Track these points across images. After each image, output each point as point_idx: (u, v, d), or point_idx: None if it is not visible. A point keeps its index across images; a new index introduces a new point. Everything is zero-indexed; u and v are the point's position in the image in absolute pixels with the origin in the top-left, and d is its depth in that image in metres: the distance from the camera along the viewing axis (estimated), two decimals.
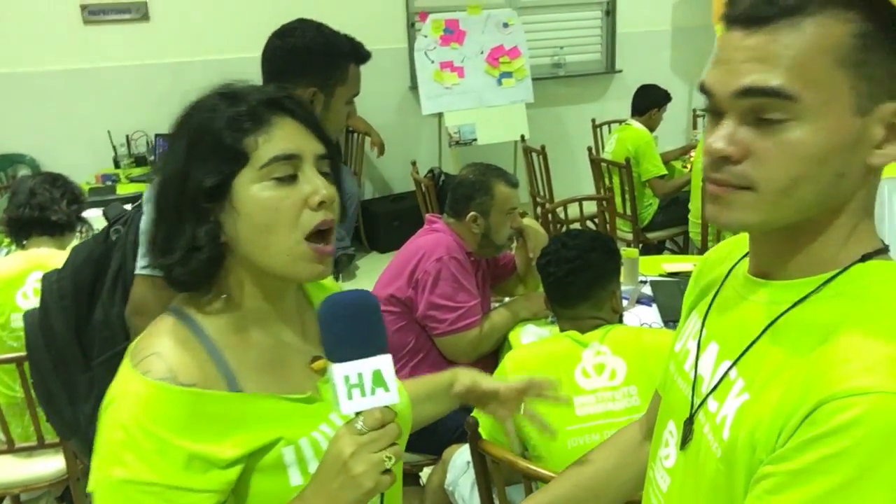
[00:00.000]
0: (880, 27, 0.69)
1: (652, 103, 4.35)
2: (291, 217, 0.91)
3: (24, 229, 2.37)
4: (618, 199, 4.09)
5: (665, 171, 4.17)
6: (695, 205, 3.83)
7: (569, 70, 5.74)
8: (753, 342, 0.78)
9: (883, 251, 0.77)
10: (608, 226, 3.67)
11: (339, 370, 0.84)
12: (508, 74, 5.20)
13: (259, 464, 0.90)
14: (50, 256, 2.27)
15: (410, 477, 2.45)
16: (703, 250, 3.63)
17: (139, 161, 4.72)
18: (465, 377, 1.25)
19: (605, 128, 5.25)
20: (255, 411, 0.91)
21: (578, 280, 1.74)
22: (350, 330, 0.85)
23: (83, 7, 4.65)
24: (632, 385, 1.63)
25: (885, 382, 0.65)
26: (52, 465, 2.34)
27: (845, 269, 0.75)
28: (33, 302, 2.16)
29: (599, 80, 5.89)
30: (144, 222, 1.41)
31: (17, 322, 2.27)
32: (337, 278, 4.41)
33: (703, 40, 5.62)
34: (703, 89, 0.77)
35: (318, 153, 0.94)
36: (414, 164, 4.36)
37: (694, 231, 3.85)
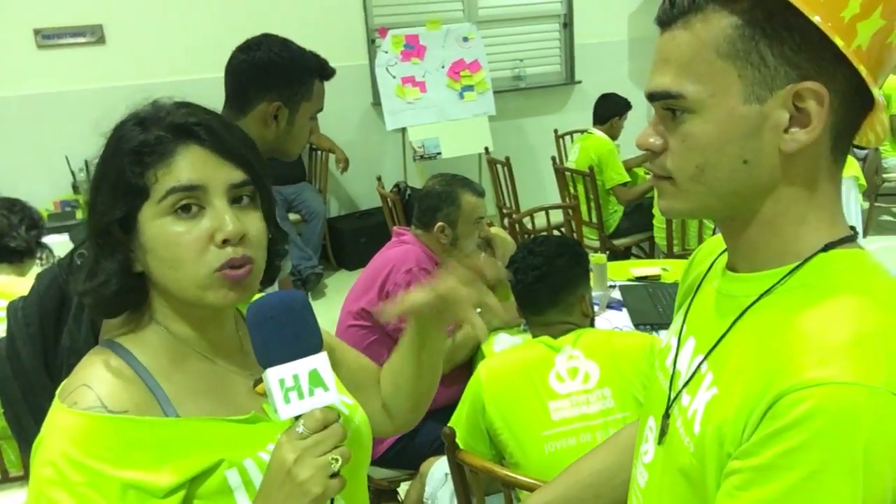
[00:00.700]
0: (762, 15, 0.71)
1: (613, 112, 4.41)
2: (195, 252, 0.86)
3: None
4: (583, 207, 4.14)
5: (628, 178, 4.22)
6: (659, 210, 3.89)
7: (529, 82, 5.80)
8: (723, 336, 0.79)
9: (848, 239, 0.77)
10: (575, 234, 3.70)
11: (272, 374, 0.80)
12: (470, 88, 5.24)
13: (201, 490, 0.86)
14: (10, 284, 2.21)
15: (388, 493, 2.43)
16: (668, 255, 3.67)
17: None
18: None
19: (568, 138, 5.31)
20: (192, 436, 0.87)
21: (546, 286, 1.76)
22: (279, 331, 0.82)
23: (37, 31, 4.57)
24: (606, 387, 1.64)
25: (838, 373, 0.66)
26: (15, 499, 2.27)
27: (807, 259, 0.76)
28: None
29: (560, 92, 5.95)
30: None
31: None
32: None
33: None
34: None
35: (232, 182, 0.88)
36: (379, 178, 4.36)
37: (659, 236, 3.90)
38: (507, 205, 4.61)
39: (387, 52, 5.07)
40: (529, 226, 3.54)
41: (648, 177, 4.58)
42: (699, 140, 0.75)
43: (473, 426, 1.72)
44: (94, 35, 4.70)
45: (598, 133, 4.35)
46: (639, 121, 6.08)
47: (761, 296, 0.77)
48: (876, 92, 0.74)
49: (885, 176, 4.99)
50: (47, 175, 4.62)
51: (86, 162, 4.68)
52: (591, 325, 1.90)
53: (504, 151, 4.64)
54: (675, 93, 0.75)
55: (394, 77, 5.07)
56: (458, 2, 5.56)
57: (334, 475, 0.79)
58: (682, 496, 0.81)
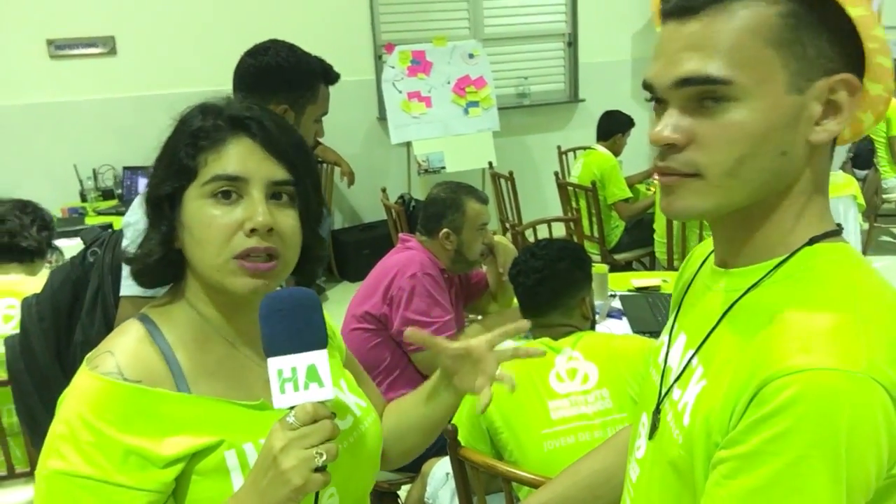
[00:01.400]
0: (807, 6, 0.72)
1: (616, 128, 4.47)
2: (223, 236, 0.90)
3: None
4: (585, 222, 4.17)
5: (630, 195, 4.26)
6: (659, 225, 3.92)
7: (534, 99, 5.87)
8: (712, 330, 0.80)
9: (833, 233, 0.79)
10: None
11: (273, 364, 0.83)
12: (475, 104, 5.30)
13: (199, 466, 0.89)
14: (20, 283, 2.25)
15: (389, 496, 2.45)
16: (669, 268, 3.70)
17: (106, 195, 4.70)
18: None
19: (571, 154, 5.37)
20: (199, 413, 0.90)
21: (546, 289, 1.79)
22: (285, 324, 0.85)
23: (49, 42, 4.65)
24: (604, 388, 1.67)
25: (820, 359, 0.67)
26: (22, 495, 2.29)
27: (794, 252, 0.77)
28: (2, 328, 2.13)
29: (563, 109, 6.02)
30: (124, 245, 1.42)
31: (5, 354, 2.24)
32: None
33: None
34: (645, 84, 0.79)
35: (273, 178, 0.93)
36: (384, 190, 4.41)
37: (660, 250, 3.94)
38: (510, 219, 4.66)
39: (393, 68, 5.14)
40: (532, 239, 3.58)
41: (650, 192, 4.63)
42: (745, 129, 0.72)
43: (474, 425, 1.74)
44: (106, 46, 4.78)
45: (601, 149, 4.40)
46: (642, 138, 6.15)
47: (749, 289, 0.78)
48: (876, 87, 0.76)
49: (884, 196, 5.03)
50: (56, 182, 4.67)
51: (94, 170, 4.74)
52: (592, 328, 1.93)
53: (508, 167, 4.69)
54: (720, 78, 0.72)
55: (400, 92, 5.14)
56: (465, 20, 5.65)
57: (319, 469, 0.81)
58: (672, 489, 0.82)
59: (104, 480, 0.83)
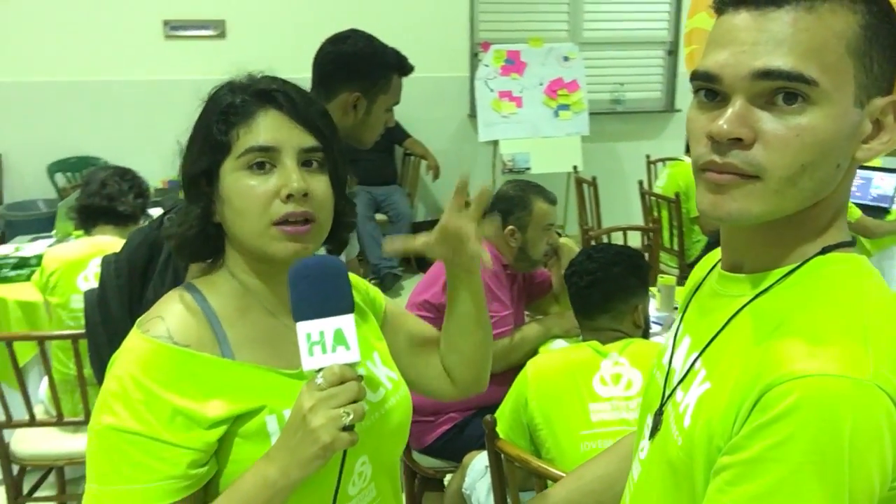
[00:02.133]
0: (879, 21, 0.72)
1: None
2: (262, 204, 0.95)
3: (92, 217, 2.54)
4: (665, 234, 4.09)
5: None
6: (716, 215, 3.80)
7: (627, 106, 5.79)
8: (717, 333, 0.80)
9: (846, 244, 0.78)
10: (649, 256, 3.68)
11: (301, 328, 0.88)
12: (566, 107, 5.28)
13: (242, 429, 0.93)
14: (112, 244, 2.42)
15: (434, 482, 2.50)
16: None
17: None
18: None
19: (660, 164, 5.26)
20: (242, 379, 0.95)
21: (597, 292, 1.79)
22: (313, 290, 0.89)
23: (166, 22, 4.94)
24: None
25: (825, 365, 0.67)
26: None
27: (806, 261, 0.77)
28: (93, 285, 2.30)
29: (658, 119, 5.91)
30: None
31: (76, 303, 2.42)
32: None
33: None
34: (704, 74, 0.74)
35: (303, 146, 0.97)
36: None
37: None
38: (590, 224, 4.62)
39: (487, 66, 5.19)
40: None
41: None
42: (818, 135, 0.70)
43: (515, 420, 1.77)
44: (217, 29, 5.03)
45: (688, 161, 4.28)
46: None
47: (757, 295, 0.78)
48: None
49: None
50: (160, 155, 4.91)
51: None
52: (645, 337, 1.91)
53: (594, 172, 4.65)
54: (809, 77, 0.68)
55: (491, 90, 5.18)
56: (564, 22, 5.63)
57: (347, 429, 0.85)
58: (669, 489, 0.82)
59: (153, 437, 0.88)
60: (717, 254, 0.94)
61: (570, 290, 1.87)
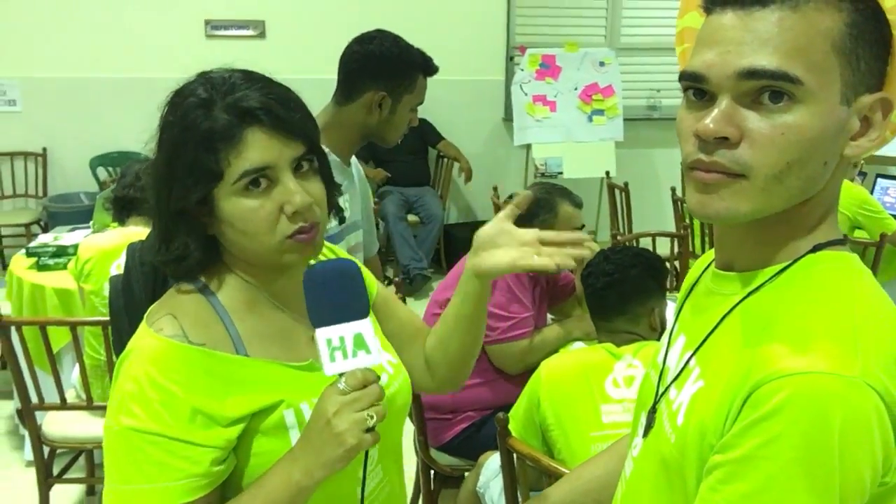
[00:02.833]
0: (866, 20, 0.72)
1: None
2: (268, 224, 0.93)
3: (126, 208, 2.61)
4: (696, 241, 4.06)
5: None
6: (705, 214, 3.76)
7: (663, 113, 5.74)
8: (711, 332, 0.80)
9: (838, 242, 0.79)
10: (678, 264, 3.65)
11: (321, 334, 0.89)
12: (600, 112, 5.26)
13: (262, 425, 0.94)
14: (139, 234, 2.47)
15: (453, 480, 2.52)
16: None
17: None
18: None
19: None
20: (258, 375, 0.96)
21: (614, 293, 1.79)
22: (331, 295, 0.90)
23: (207, 22, 5.05)
24: None
25: (814, 363, 0.67)
26: None
27: (797, 259, 0.77)
28: None
29: None
30: None
31: (108, 291, 2.49)
32: (408, 294, 4.54)
33: None
34: (691, 74, 0.75)
35: (294, 156, 0.95)
36: (495, 188, 4.47)
37: None
38: (621, 230, 4.60)
39: (522, 70, 5.19)
40: None
41: None
42: (804, 134, 0.70)
43: (528, 420, 1.78)
44: (257, 29, 5.13)
45: None
46: None
47: (750, 293, 0.78)
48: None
49: None
50: None
51: None
52: (659, 339, 1.90)
53: (628, 178, 4.63)
54: (794, 76, 0.69)
55: (526, 94, 5.18)
56: (601, 27, 5.61)
57: (369, 430, 0.87)
58: (661, 486, 0.82)
59: (173, 437, 0.88)
60: (712, 253, 0.94)
61: (586, 291, 1.88)
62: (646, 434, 0.89)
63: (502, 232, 1.07)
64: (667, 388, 0.86)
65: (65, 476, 2.63)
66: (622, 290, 1.80)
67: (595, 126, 5.26)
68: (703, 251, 4.07)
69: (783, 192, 0.73)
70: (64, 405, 2.43)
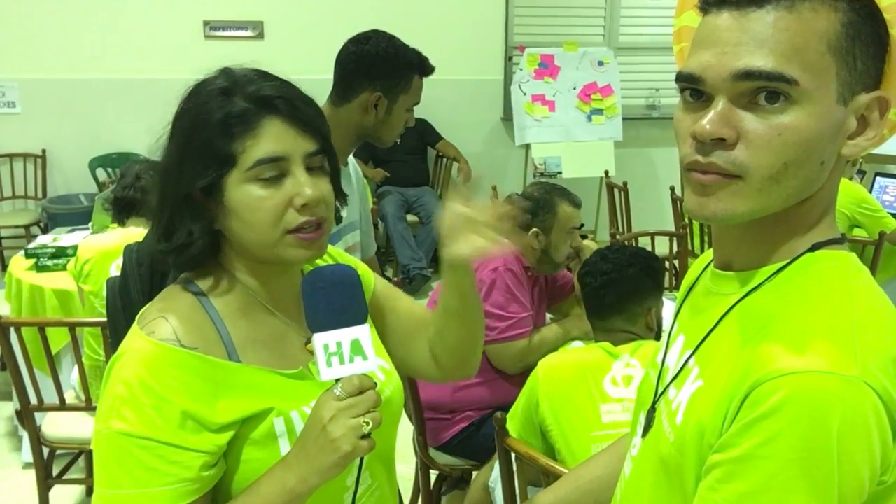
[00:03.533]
0: (862, 19, 0.72)
1: None
2: (275, 216, 0.93)
3: (125, 209, 2.62)
4: (696, 241, 4.06)
5: None
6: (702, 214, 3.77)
7: (663, 112, 5.74)
8: (710, 331, 0.80)
9: (836, 241, 0.79)
10: (678, 262, 3.65)
11: (318, 339, 0.88)
12: (599, 111, 5.26)
13: (249, 432, 0.94)
14: (141, 235, 2.48)
15: (454, 480, 2.52)
16: None
17: None
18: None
19: None
20: (249, 381, 0.95)
21: (611, 293, 1.79)
22: (329, 301, 0.90)
23: (206, 23, 5.05)
24: None
25: (812, 362, 0.67)
26: None
27: (796, 258, 0.77)
28: None
29: None
30: None
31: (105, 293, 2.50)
32: (408, 294, 4.54)
33: None
34: (688, 76, 0.74)
35: (307, 151, 0.95)
36: (494, 188, 4.48)
37: None
38: (620, 229, 4.60)
39: (521, 70, 5.19)
40: None
41: None
42: (800, 134, 0.70)
43: (527, 420, 1.77)
44: (255, 30, 5.13)
45: None
46: None
47: (749, 292, 0.78)
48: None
49: None
50: None
51: None
52: (657, 338, 1.91)
53: (627, 177, 4.63)
54: (789, 77, 0.69)
55: (525, 94, 5.18)
56: (600, 26, 5.61)
57: (365, 437, 0.87)
58: (660, 486, 0.82)
59: (164, 441, 0.88)
60: (711, 253, 0.94)
61: (583, 291, 1.87)
62: (645, 434, 0.89)
63: (462, 219, 1.03)
64: (666, 388, 0.86)
65: (64, 477, 2.63)
66: (619, 290, 1.79)
67: (594, 125, 5.26)
68: (703, 250, 4.07)
69: (780, 192, 0.73)
70: (63, 406, 2.44)
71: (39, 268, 3.07)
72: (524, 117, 5.19)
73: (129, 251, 1.74)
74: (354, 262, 1.21)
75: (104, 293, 2.55)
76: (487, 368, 2.37)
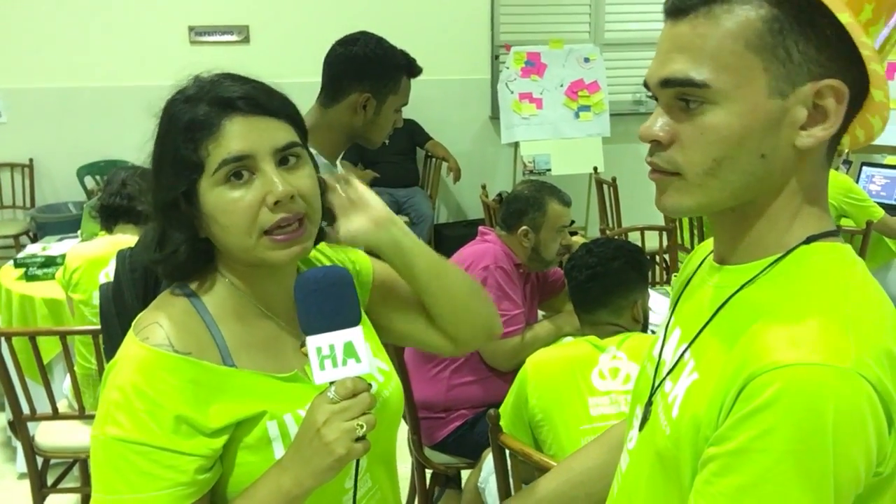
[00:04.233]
0: (791, 11, 0.72)
1: None
2: (249, 217, 0.92)
3: (113, 216, 2.61)
4: (686, 234, 4.08)
5: None
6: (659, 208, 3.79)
7: (650, 108, 5.73)
8: (705, 325, 0.81)
9: (831, 234, 0.79)
10: (668, 256, 3.67)
11: (311, 342, 0.88)
12: (586, 108, 5.28)
13: (243, 436, 0.94)
14: (132, 242, 2.45)
15: (454, 480, 2.53)
16: None
17: None
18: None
19: None
20: (243, 385, 0.95)
21: (597, 286, 1.80)
22: (322, 303, 0.89)
23: (191, 28, 5.03)
24: None
25: (807, 354, 0.68)
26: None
27: (790, 251, 0.78)
28: None
29: None
30: None
31: (98, 300, 2.49)
32: None
33: None
34: (644, 83, 0.81)
35: (276, 146, 0.94)
36: (484, 187, 4.48)
37: None
38: (610, 224, 4.62)
39: (508, 68, 5.20)
40: None
41: None
42: (720, 132, 0.74)
43: (517, 416, 1.78)
44: (241, 34, 5.12)
45: None
46: None
47: (743, 285, 0.79)
48: (878, 93, 0.76)
49: None
50: None
51: None
52: (644, 330, 1.92)
53: (616, 173, 4.65)
54: (699, 81, 0.73)
55: (512, 92, 5.20)
56: (585, 24, 5.62)
57: (359, 439, 0.86)
58: (657, 479, 0.83)
59: (158, 446, 0.88)
60: (708, 245, 0.95)
61: (569, 284, 1.89)
62: (642, 427, 0.89)
63: (354, 200, 1.05)
64: (662, 381, 0.86)
65: (59, 486, 2.62)
66: (605, 283, 1.81)
67: (582, 122, 5.28)
68: (692, 244, 4.09)
69: (722, 185, 0.76)
70: (56, 415, 2.43)
71: (29, 277, 3.06)
72: (512, 115, 5.20)
73: (122, 257, 1.73)
74: (353, 251, 1.19)
75: (94, 301, 2.57)
76: (480, 366, 2.38)
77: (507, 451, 1.66)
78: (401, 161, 5.21)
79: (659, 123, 0.78)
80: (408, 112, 1.90)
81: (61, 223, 4.50)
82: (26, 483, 2.54)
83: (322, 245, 1.14)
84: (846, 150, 4.06)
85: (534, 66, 5.23)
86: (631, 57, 5.69)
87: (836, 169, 3.61)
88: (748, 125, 0.74)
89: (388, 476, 1.13)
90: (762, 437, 0.67)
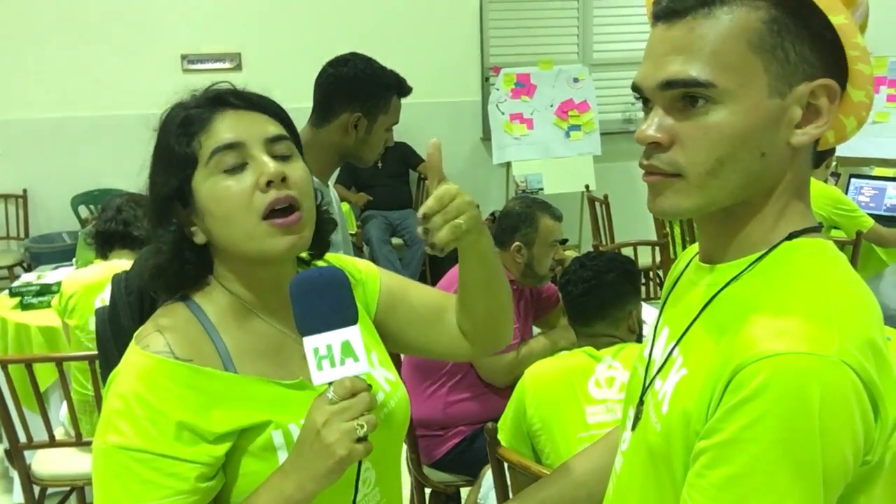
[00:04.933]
0: (788, 12, 0.74)
1: None
2: (244, 201, 0.93)
3: (108, 242, 2.62)
4: (678, 249, 4.10)
5: None
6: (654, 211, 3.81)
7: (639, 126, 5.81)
8: (693, 321, 0.82)
9: (813, 230, 0.81)
10: (661, 272, 3.69)
11: (308, 343, 0.87)
12: (577, 127, 5.33)
13: (247, 444, 0.94)
14: (127, 266, 2.48)
15: (453, 499, 2.52)
16: None
17: None
18: None
19: None
20: (246, 392, 0.95)
21: (593, 299, 1.82)
22: (317, 304, 0.88)
23: (183, 56, 5.08)
24: None
25: (792, 344, 0.69)
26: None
27: (773, 247, 0.79)
28: None
29: None
30: None
31: (94, 325, 2.49)
32: None
33: None
34: (634, 86, 0.81)
35: (267, 136, 0.96)
36: (477, 206, 4.50)
37: None
38: (603, 241, 4.65)
39: (498, 90, 5.26)
40: None
41: None
42: (725, 131, 0.75)
43: (517, 428, 1.79)
44: (233, 62, 5.17)
45: None
46: None
47: (728, 283, 0.80)
48: (858, 93, 0.78)
49: None
50: None
51: None
52: (639, 341, 1.93)
53: (608, 191, 4.68)
54: (704, 81, 0.74)
55: (503, 113, 5.25)
56: (574, 44, 5.69)
57: (360, 440, 0.85)
58: (650, 477, 0.83)
59: (159, 453, 0.88)
60: (695, 248, 0.96)
61: (564, 299, 1.90)
62: (634, 427, 0.90)
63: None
64: (652, 380, 0.87)
65: None
66: (601, 296, 1.83)
67: (573, 141, 5.32)
68: None
69: (722, 185, 0.77)
70: (53, 443, 2.42)
71: (24, 306, 3.06)
72: (503, 136, 5.24)
73: (118, 280, 1.74)
74: (360, 262, 1.19)
75: (90, 326, 2.57)
76: (477, 383, 2.39)
77: (506, 465, 1.66)
78: (394, 184, 5.24)
79: (658, 125, 0.78)
80: (400, 135, 1.92)
81: (55, 253, 4.50)
82: None
83: (328, 255, 1.15)
84: (835, 164, 4.11)
85: (524, 87, 5.28)
86: (619, 76, 5.75)
87: (825, 181, 3.65)
88: (751, 124, 0.75)
89: (395, 490, 1.12)
90: (751, 427, 0.68)
